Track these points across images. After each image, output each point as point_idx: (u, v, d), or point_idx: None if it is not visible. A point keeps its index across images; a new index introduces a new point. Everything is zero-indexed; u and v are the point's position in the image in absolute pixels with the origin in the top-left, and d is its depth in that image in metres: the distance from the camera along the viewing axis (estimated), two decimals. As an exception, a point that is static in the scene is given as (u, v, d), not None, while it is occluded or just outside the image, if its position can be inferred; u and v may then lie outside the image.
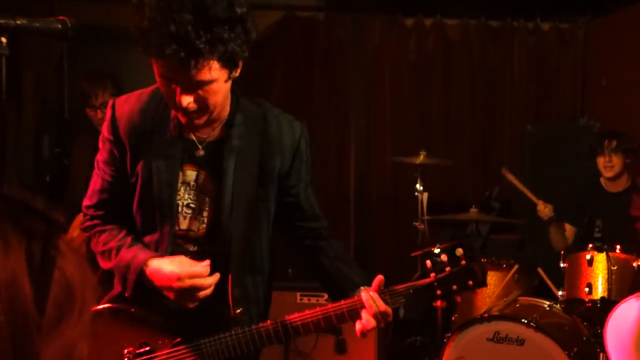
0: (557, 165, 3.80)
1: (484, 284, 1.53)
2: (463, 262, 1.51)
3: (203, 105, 1.40)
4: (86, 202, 1.64)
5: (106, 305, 1.58)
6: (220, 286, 1.52)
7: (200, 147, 1.53)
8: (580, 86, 4.17)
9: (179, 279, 1.46)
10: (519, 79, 4.18)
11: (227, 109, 1.52)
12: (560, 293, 2.67)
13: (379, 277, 1.51)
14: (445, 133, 4.24)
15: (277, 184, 1.57)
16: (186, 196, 1.54)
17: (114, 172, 1.57)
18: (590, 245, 2.59)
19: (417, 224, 3.39)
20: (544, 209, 3.09)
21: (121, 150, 1.54)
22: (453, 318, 3.05)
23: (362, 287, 1.55)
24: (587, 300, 2.53)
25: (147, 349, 1.53)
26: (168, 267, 1.48)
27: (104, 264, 1.58)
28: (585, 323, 2.67)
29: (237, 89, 1.54)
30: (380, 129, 4.25)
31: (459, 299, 1.54)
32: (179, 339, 1.53)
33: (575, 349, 2.50)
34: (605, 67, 4.04)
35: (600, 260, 2.54)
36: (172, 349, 1.53)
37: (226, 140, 1.52)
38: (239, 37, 1.34)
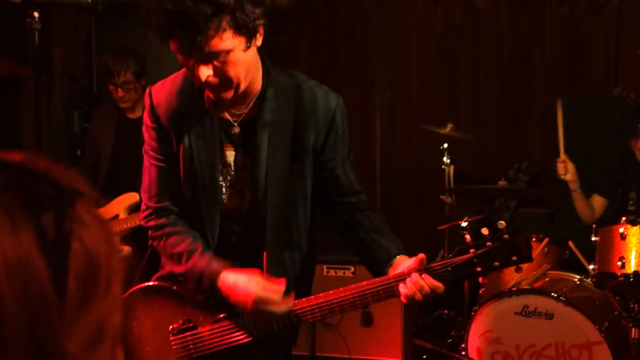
0: (589, 138, 3.70)
1: (529, 259, 1.42)
2: (506, 236, 1.41)
3: (224, 78, 1.37)
4: (146, 194, 1.61)
5: (150, 283, 1.63)
6: (256, 264, 1.53)
7: (235, 124, 1.51)
8: (614, 56, 4.03)
9: (255, 302, 1.45)
10: (549, 49, 4.07)
11: (259, 82, 1.49)
12: (591, 267, 2.62)
13: (420, 257, 1.47)
14: (472, 106, 4.16)
15: (312, 158, 1.54)
16: (229, 177, 1.54)
17: (164, 158, 1.56)
18: (624, 219, 2.53)
19: (443, 197, 3.36)
20: (562, 168, 2.93)
21: (166, 136, 1.54)
22: (481, 292, 3.03)
23: (397, 256, 1.53)
24: (619, 274, 2.48)
25: (190, 325, 1.57)
26: (244, 285, 1.47)
27: (173, 268, 1.58)
28: (617, 297, 2.63)
29: (269, 61, 1.52)
30: (406, 102, 4.19)
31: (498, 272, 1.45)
32: (219, 316, 1.55)
33: (607, 323, 2.46)
34: (640, 35, 3.91)
35: (634, 234, 2.49)
36: (213, 325, 1.56)
37: (259, 116, 1.49)
38: (247, 2, 1.31)
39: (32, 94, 2.09)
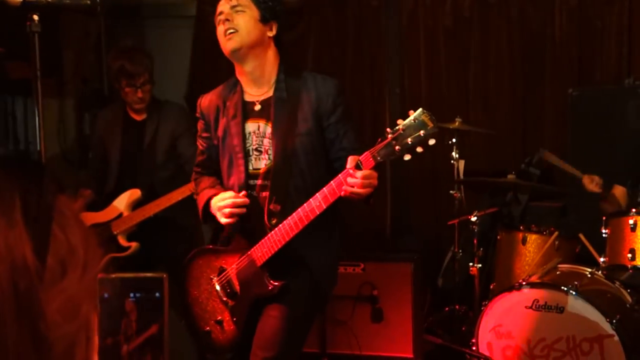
0: (602, 129, 3.65)
1: (434, 129, 1.83)
2: (413, 119, 1.86)
3: (235, 22, 1.96)
4: (195, 161, 2.27)
5: (196, 249, 2.22)
6: (263, 204, 2.02)
7: (256, 102, 2.08)
8: (627, 46, 3.97)
9: (214, 200, 2.07)
10: (560, 40, 4.01)
11: (275, 73, 2.06)
12: (601, 259, 2.59)
13: (352, 158, 1.88)
14: (483, 99, 4.12)
15: (319, 123, 2.05)
16: (254, 143, 2.07)
17: (207, 140, 2.19)
18: (634, 210, 2.49)
19: (453, 192, 3.34)
20: (590, 183, 2.92)
21: (206, 122, 2.18)
22: (491, 286, 3.01)
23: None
24: (630, 266, 2.45)
25: (224, 269, 2.13)
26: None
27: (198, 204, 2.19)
28: (628, 290, 2.59)
29: (285, 60, 2.08)
30: (415, 97, 4.16)
31: (420, 150, 1.82)
32: (239, 254, 2.07)
33: (618, 315, 2.43)
34: (653, 24, 3.83)
35: (645, 225, 2.45)
36: (237, 261, 2.08)
37: (274, 95, 2.06)
38: None
39: (43, 97, 2.15)
